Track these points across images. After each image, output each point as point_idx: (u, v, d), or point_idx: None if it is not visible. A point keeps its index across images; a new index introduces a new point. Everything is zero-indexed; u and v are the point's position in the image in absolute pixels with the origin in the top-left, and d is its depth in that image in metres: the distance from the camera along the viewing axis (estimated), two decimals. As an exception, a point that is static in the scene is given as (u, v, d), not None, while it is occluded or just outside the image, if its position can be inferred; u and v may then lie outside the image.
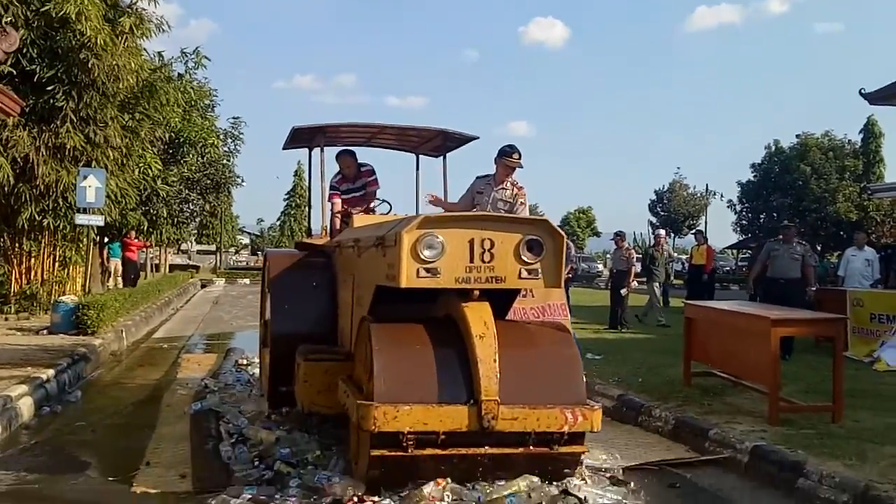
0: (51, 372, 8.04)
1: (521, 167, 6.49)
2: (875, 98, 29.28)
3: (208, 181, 20.44)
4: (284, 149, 7.79)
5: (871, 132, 42.07)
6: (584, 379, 4.91)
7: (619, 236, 14.41)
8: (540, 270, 4.64)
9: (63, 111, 12.98)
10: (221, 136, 20.48)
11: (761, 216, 45.72)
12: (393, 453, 4.34)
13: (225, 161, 20.67)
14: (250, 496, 4.55)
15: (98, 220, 13.03)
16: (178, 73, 15.72)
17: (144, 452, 5.75)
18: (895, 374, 8.76)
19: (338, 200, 7.22)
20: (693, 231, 28.71)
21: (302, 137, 7.53)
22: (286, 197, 60.85)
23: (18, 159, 12.75)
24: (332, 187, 7.32)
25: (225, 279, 37.33)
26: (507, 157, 6.45)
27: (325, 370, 5.47)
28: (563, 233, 4.75)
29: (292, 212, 58.37)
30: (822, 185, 41.62)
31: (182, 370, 9.86)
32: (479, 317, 4.56)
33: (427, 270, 4.46)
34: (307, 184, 8.95)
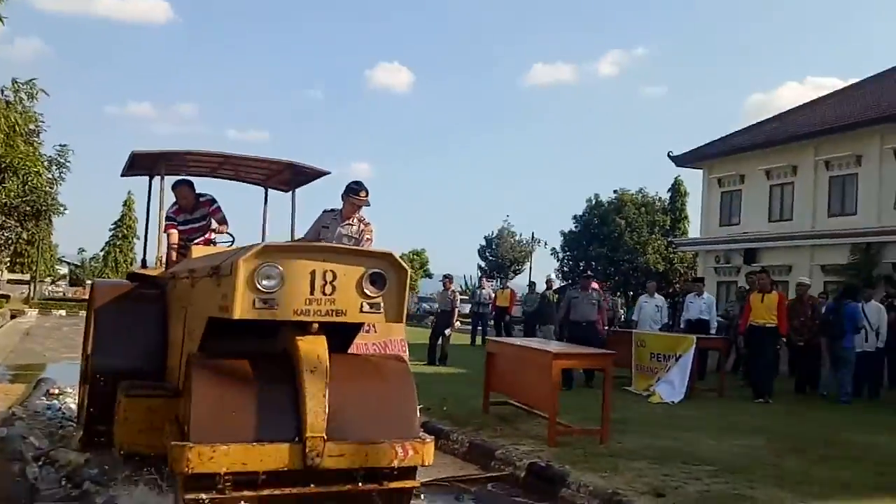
0: None
1: (369, 205, 6.46)
2: (681, 160, 32.55)
3: (28, 208, 19.51)
4: (123, 175, 7.40)
5: (678, 191, 46.20)
6: (419, 412, 4.85)
7: (447, 278, 15.35)
8: (382, 305, 4.53)
9: None
10: (46, 164, 19.67)
11: (581, 264, 48.76)
12: (208, 496, 4.10)
13: (48, 188, 19.83)
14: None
15: None
16: (7, 102, 15.12)
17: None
18: (666, 405, 10.01)
19: (174, 231, 6.98)
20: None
21: (142, 164, 7.15)
22: (112, 227, 58.20)
23: None
24: (168, 218, 7.03)
25: (38, 310, 35.24)
26: (355, 194, 6.39)
27: (148, 407, 5.19)
28: (407, 267, 4.69)
29: (118, 242, 55.88)
30: (634, 238, 45.13)
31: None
32: (312, 351, 4.38)
33: (264, 301, 4.27)
34: (138, 214, 8.99)
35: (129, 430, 5.28)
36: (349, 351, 5.13)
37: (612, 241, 45.53)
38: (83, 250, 72.35)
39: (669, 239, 41.01)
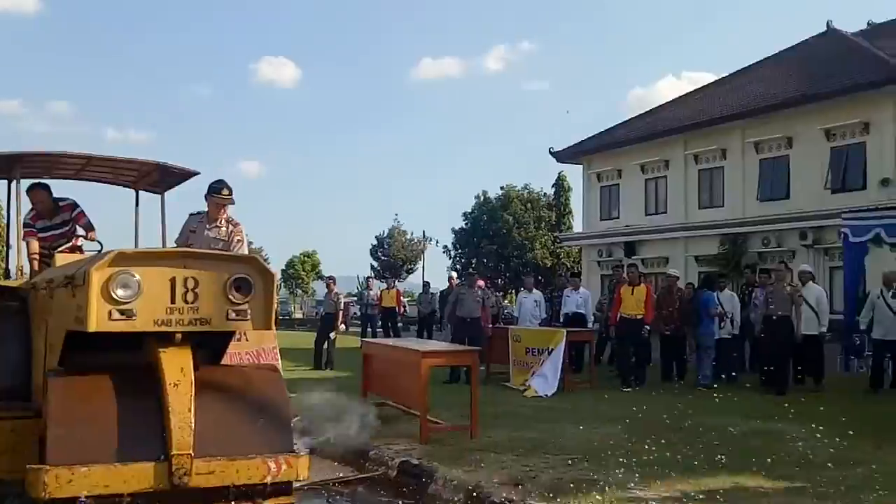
0: None
1: (233, 203, 6.30)
2: (562, 156, 33.54)
3: None
4: None
5: (561, 186, 47.64)
6: (292, 424, 4.79)
7: (330, 280, 15.44)
8: (249, 311, 4.34)
9: None
10: None
11: (473, 261, 49.57)
12: None
13: None
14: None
15: None
16: None
17: None
18: (540, 399, 10.47)
19: (33, 240, 6.63)
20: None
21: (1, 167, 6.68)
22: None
23: None
24: (26, 225, 6.70)
25: None
26: (217, 193, 6.20)
27: (11, 429, 4.84)
28: (273, 271, 4.54)
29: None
30: (522, 234, 46.33)
31: None
32: (175, 363, 4.21)
33: (121, 312, 4.08)
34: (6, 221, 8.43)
35: None
36: (223, 362, 4.97)
37: (501, 238, 46.59)
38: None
39: (555, 234, 42.30)
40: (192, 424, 3.99)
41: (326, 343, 14.42)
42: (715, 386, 11.03)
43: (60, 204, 6.85)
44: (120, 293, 4.00)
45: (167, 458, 3.93)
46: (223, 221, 6.25)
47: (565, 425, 8.10)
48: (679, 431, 7.80)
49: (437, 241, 49.76)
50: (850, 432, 7.19)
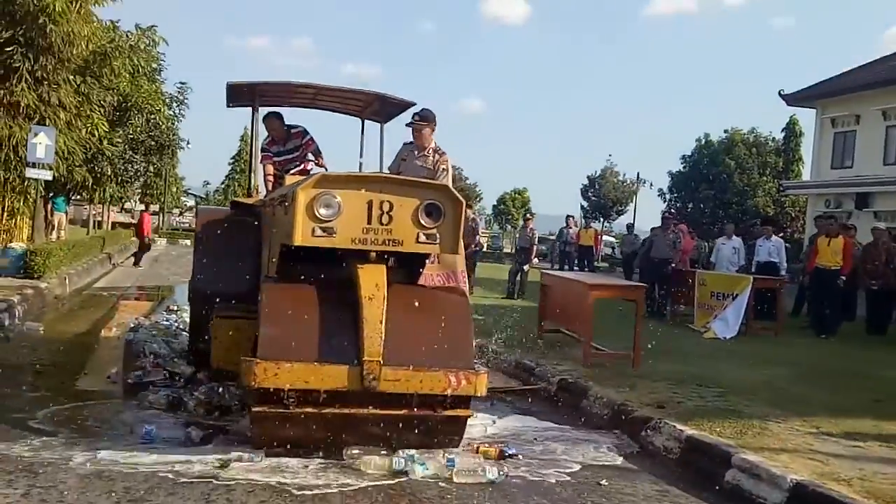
0: (3, 305, 9.35)
1: (426, 127, 6.34)
2: (792, 99, 31.55)
3: (153, 143, 21.46)
4: (228, 107, 7.55)
5: (792, 131, 44.52)
6: (474, 342, 5.04)
7: (528, 217, 16.20)
8: (438, 236, 4.61)
9: (19, 71, 13.94)
10: (167, 101, 21.55)
11: (689, 205, 48.00)
12: (273, 410, 4.37)
13: (170, 125, 21.74)
14: (165, 394, 5.98)
15: (47, 175, 14.13)
16: (130, 45, 16.75)
17: (87, 360, 7.21)
18: (717, 341, 10.61)
19: (268, 163, 7.18)
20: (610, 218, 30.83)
21: (239, 96, 7.27)
22: (231, 161, 61.23)
23: (-26, 113, 13.78)
24: (262, 150, 7.24)
25: (167, 239, 38.19)
26: (412, 123, 6.34)
27: (236, 327, 5.36)
28: (462, 199, 4.74)
29: (237, 175, 58.79)
30: (744, 180, 44.09)
31: (119, 312, 11.24)
32: (371, 279, 4.53)
33: (323, 230, 4.43)
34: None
35: (220, 348, 5.59)
36: (419, 282, 5.26)
37: (722, 183, 44.69)
38: (208, 183, 76.21)
39: (780, 182, 39.94)
40: (383, 335, 4.37)
41: (519, 274, 15.23)
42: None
43: (292, 131, 7.39)
44: (323, 212, 4.42)
45: (360, 363, 4.32)
46: (430, 151, 6.35)
47: (730, 364, 8.33)
48: (845, 378, 7.79)
49: (652, 184, 48.49)
50: None
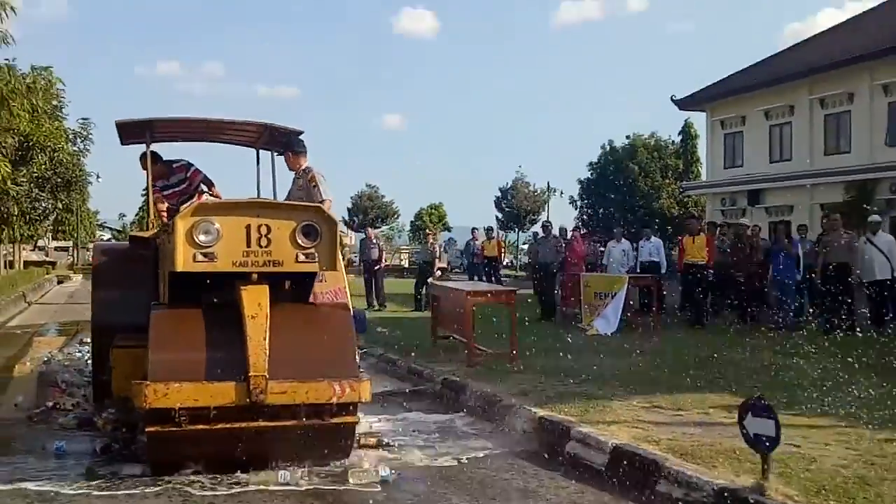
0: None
1: (289, 154, 6.73)
2: (683, 104, 33.37)
3: (59, 179, 21.58)
4: (122, 144, 7.50)
5: (688, 134, 46.80)
6: (357, 353, 5.35)
7: (428, 232, 17.08)
8: (316, 254, 4.92)
9: (-89, 121, 14.13)
10: (71, 138, 21.69)
11: (600, 211, 49.76)
12: (166, 429, 4.52)
13: (75, 161, 21.86)
14: (75, 415, 6.51)
15: (-50, 220, 14.29)
16: (27, 86, 16.95)
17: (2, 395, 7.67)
18: (598, 337, 11.62)
19: (159, 198, 7.40)
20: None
21: (131, 133, 7.25)
22: (143, 192, 60.33)
23: None
24: (152, 186, 7.36)
25: (83, 275, 37.69)
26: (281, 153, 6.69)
27: (135, 356, 5.33)
28: (336, 219, 5.12)
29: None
30: (648, 183, 46.14)
31: (34, 348, 11.55)
32: (253, 299, 4.76)
33: (203, 255, 4.71)
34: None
35: (120, 377, 5.64)
36: (311, 300, 5.54)
37: (628, 188, 46.58)
38: (124, 215, 75.08)
39: (680, 183, 41.97)
40: (267, 350, 4.61)
41: (424, 287, 16.05)
42: (781, 328, 11.70)
43: (174, 165, 7.63)
44: (202, 238, 4.72)
45: (246, 379, 4.54)
46: (301, 172, 6.61)
47: (601, 357, 9.26)
48: (698, 362, 8.80)
49: (562, 192, 50.26)
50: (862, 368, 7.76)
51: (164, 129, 7.52)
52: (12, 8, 15.39)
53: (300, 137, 7.21)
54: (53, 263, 43.56)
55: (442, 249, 16.86)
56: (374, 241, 17.44)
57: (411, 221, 57.55)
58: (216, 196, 7.61)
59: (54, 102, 21.31)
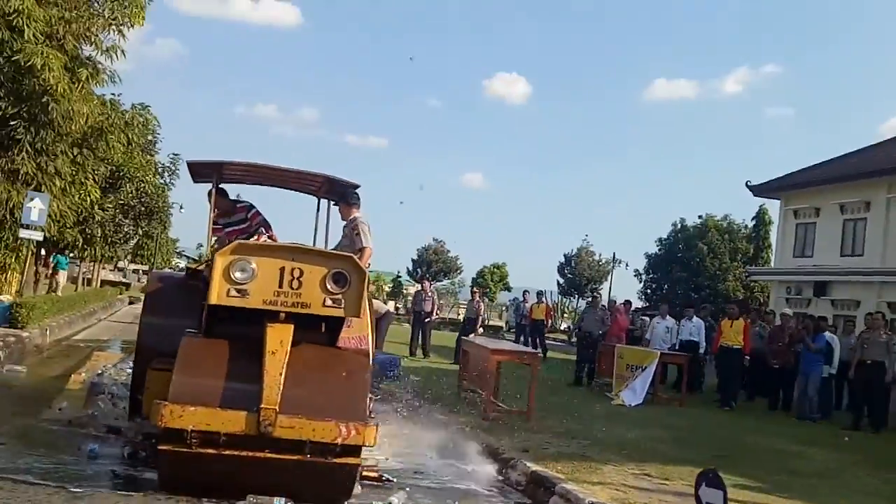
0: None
1: (341, 205, 7.28)
2: (759, 190, 33.38)
3: (143, 208, 23.08)
4: (194, 182, 7.86)
5: (762, 220, 46.42)
6: (369, 398, 5.39)
7: (474, 290, 17.63)
8: (343, 301, 5.14)
9: (21, 143, 15.48)
10: (159, 171, 23.24)
11: (665, 286, 49.50)
12: (177, 449, 4.71)
13: (159, 192, 23.38)
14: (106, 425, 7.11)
15: (38, 236, 15.49)
16: (125, 122, 18.36)
17: (55, 398, 8.45)
18: (622, 407, 11.84)
19: (216, 235, 7.73)
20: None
21: (201, 173, 7.61)
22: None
23: (-23, 178, 15.24)
24: (214, 223, 7.66)
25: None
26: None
27: (167, 380, 5.27)
28: (365, 269, 5.33)
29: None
30: (716, 264, 45.80)
31: (92, 361, 12.46)
32: (277, 336, 4.98)
33: (237, 291, 5.00)
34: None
35: (150, 397, 5.57)
36: (338, 344, 5.66)
37: (695, 266, 46.31)
38: (201, 245, 77.31)
39: (746, 268, 41.56)
40: (281, 386, 4.78)
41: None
42: (813, 419, 11.72)
43: (237, 205, 8.05)
44: (238, 276, 5.04)
45: (258, 410, 4.71)
46: (349, 222, 7.07)
47: (616, 425, 9.56)
48: (709, 440, 9.01)
49: (627, 264, 50.27)
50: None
51: (231, 172, 7.82)
52: (122, 51, 16.93)
53: (355, 191, 7.48)
54: (128, 285, 45.64)
55: (485, 308, 17.31)
56: (429, 294, 18.02)
57: (473, 278, 58.18)
58: (272, 239, 7.95)
59: (149, 137, 22.99)
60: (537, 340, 20.00)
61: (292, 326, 5.11)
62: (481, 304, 17.42)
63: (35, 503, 4.59)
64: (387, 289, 57.99)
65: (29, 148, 15.50)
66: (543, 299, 20.38)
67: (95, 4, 16.29)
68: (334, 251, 6.06)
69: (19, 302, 14.09)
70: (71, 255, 28.60)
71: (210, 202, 7.70)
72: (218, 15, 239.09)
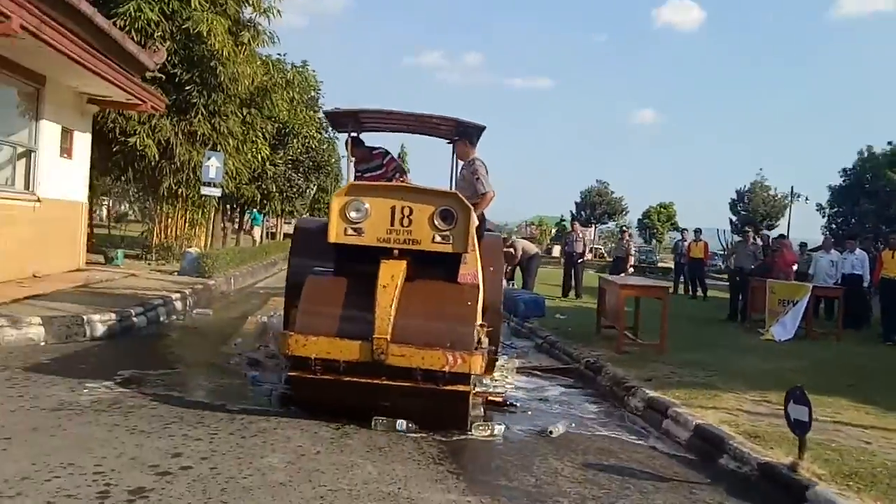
0: (178, 295, 12.06)
1: (458, 144, 7.59)
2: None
3: (311, 163, 24.62)
4: (336, 131, 8.64)
5: (962, 143, 42.07)
6: (476, 328, 5.54)
7: (623, 230, 17.58)
8: (451, 237, 5.45)
9: (196, 106, 17.03)
10: (324, 125, 24.62)
11: (851, 220, 46.32)
12: (304, 375, 5.20)
13: (324, 146, 24.83)
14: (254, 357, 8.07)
15: (217, 192, 17.10)
16: (286, 80, 19.67)
17: (232, 336, 9.62)
18: (771, 343, 11.61)
19: (352, 178, 8.14)
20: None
21: (339, 122, 8.11)
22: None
23: (162, 142, 16.93)
24: (355, 169, 8.32)
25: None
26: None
27: None
28: (470, 206, 5.53)
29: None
30: (908, 194, 42.18)
31: (267, 306, 13.78)
32: (388, 271, 5.34)
33: (353, 230, 5.38)
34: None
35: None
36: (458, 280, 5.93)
37: (885, 197, 42.88)
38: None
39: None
40: (392, 317, 5.17)
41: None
42: None
43: (373, 151, 8.51)
44: (353, 215, 5.45)
45: (371, 340, 5.11)
46: (467, 162, 7.36)
47: (753, 357, 9.51)
48: (849, 370, 8.78)
49: (807, 199, 47.30)
50: None
51: (367, 120, 8.34)
52: (278, 11, 18.13)
53: (477, 132, 7.61)
54: (309, 237, 48.44)
55: (635, 247, 17.27)
56: (580, 234, 18.18)
57: (639, 219, 57.02)
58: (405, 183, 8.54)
59: (311, 94, 24.40)
60: (695, 279, 19.69)
61: (405, 262, 5.45)
62: (630, 243, 17.34)
63: (200, 417, 5.45)
64: (552, 232, 58.01)
65: (203, 110, 17.03)
66: (701, 237, 19.90)
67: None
68: (439, 189, 6.18)
69: (206, 253, 15.71)
70: (250, 210, 31.04)
71: (347, 150, 8.40)
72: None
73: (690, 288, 19.87)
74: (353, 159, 8.38)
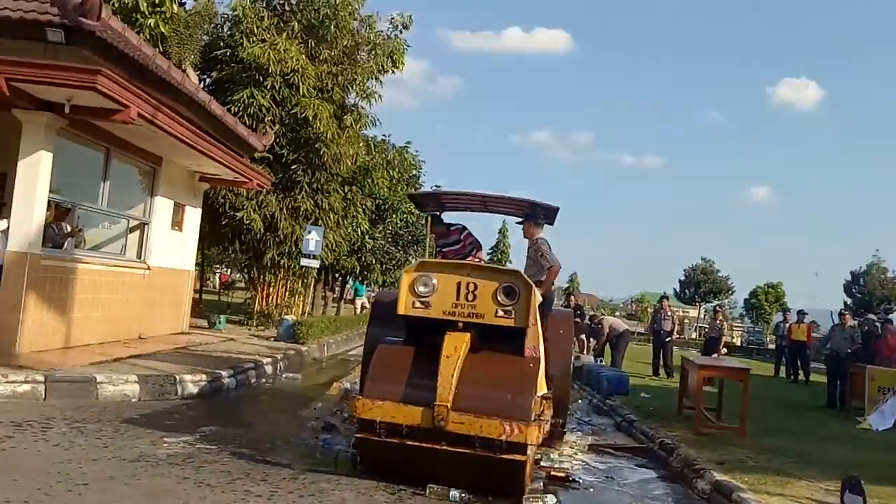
0: (269, 359, 12.62)
1: (524, 225, 8.08)
2: None
3: (409, 237, 25.38)
4: (420, 211, 9.41)
5: None
6: (534, 399, 5.73)
7: (717, 309, 17.21)
8: (513, 311, 5.75)
9: (300, 184, 18.06)
10: (423, 202, 25.43)
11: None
12: (369, 437, 5.49)
13: (423, 222, 25.60)
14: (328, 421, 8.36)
15: (315, 263, 17.87)
16: (387, 160, 20.58)
17: (314, 400, 10.01)
18: (867, 431, 11.05)
19: (437, 256, 8.70)
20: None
21: (423, 203, 8.90)
22: (489, 251, 66.42)
23: (268, 216, 17.95)
24: (436, 245, 8.94)
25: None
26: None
27: None
28: (532, 283, 5.85)
29: (494, 263, 63.34)
30: None
31: (356, 372, 14.15)
32: (452, 343, 5.61)
33: (421, 303, 5.75)
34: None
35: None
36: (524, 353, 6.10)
37: None
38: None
39: None
40: (453, 386, 5.44)
41: (709, 362, 16.20)
42: None
43: (451, 228, 9.05)
44: (421, 289, 5.86)
45: (433, 407, 5.37)
46: (533, 241, 7.98)
47: (841, 447, 9.11)
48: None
49: (932, 282, 44.78)
50: None
51: (447, 200, 9.03)
52: (380, 96, 19.12)
53: (543, 213, 8.21)
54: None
55: (729, 327, 16.82)
56: (668, 312, 17.92)
57: (745, 299, 55.19)
58: (479, 259, 9.04)
59: (413, 172, 25.34)
60: (797, 362, 18.95)
61: (468, 334, 5.75)
62: (724, 323, 16.95)
63: (265, 474, 5.76)
64: (651, 309, 57.08)
65: (307, 187, 18.01)
66: (805, 319, 19.23)
67: (359, 57, 18.51)
68: (503, 267, 6.64)
69: (300, 321, 16.38)
70: (350, 281, 32.11)
71: (427, 228, 8.92)
72: (494, 48, 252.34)
73: (792, 371, 19.15)
74: (433, 235, 8.91)
